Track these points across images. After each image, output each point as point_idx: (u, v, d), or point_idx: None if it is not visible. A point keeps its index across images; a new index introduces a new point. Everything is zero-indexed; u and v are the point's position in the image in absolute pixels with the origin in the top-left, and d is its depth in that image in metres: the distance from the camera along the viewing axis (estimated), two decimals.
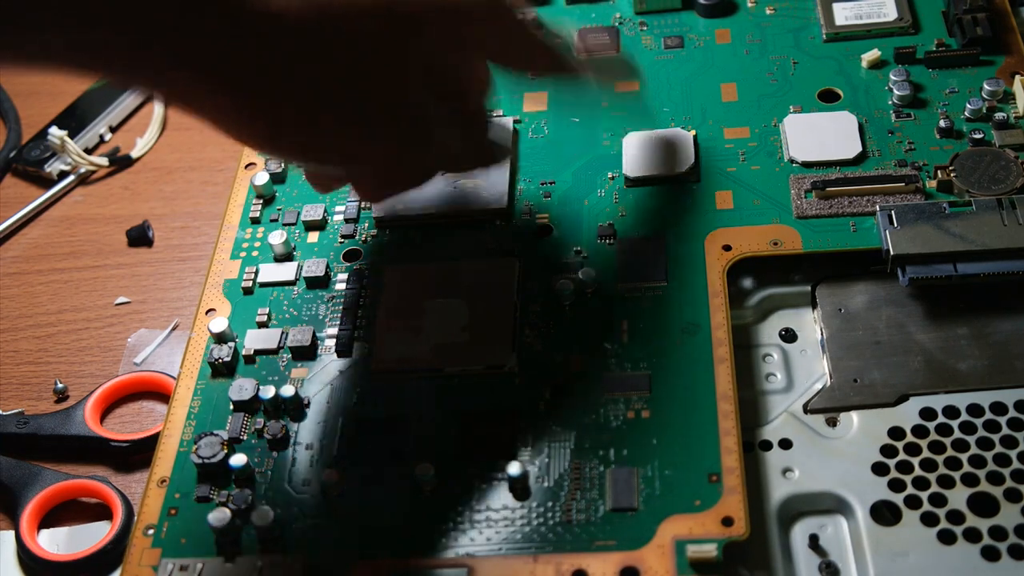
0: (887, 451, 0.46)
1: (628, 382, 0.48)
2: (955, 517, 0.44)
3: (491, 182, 0.56)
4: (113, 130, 0.72)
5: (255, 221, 0.57)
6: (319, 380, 0.51)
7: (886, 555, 0.44)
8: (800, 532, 0.45)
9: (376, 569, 0.44)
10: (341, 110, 0.43)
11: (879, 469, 0.46)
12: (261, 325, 0.53)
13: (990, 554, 0.43)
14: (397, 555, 0.45)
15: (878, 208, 0.51)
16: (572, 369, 0.49)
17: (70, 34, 0.38)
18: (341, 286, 0.54)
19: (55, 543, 0.51)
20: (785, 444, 0.47)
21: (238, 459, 0.47)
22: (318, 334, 0.52)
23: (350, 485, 0.47)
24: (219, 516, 0.45)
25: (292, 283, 0.54)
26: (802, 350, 0.51)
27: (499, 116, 0.60)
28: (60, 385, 0.58)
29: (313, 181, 0.51)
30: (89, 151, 0.70)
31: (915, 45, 0.59)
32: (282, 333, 0.52)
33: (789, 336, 0.51)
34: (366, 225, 0.56)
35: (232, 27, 0.40)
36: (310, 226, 0.56)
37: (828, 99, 0.58)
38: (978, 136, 0.54)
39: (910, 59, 0.58)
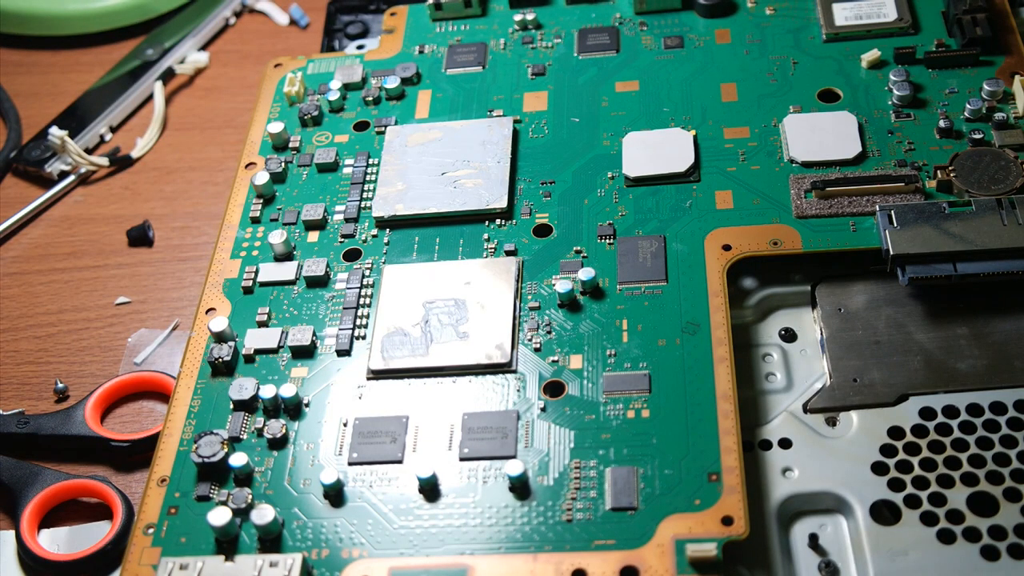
0: (887, 451, 0.46)
1: (628, 381, 0.48)
2: (955, 516, 0.44)
3: (491, 182, 0.56)
4: (113, 130, 0.72)
5: (255, 221, 0.57)
6: (319, 380, 0.51)
7: (886, 554, 0.44)
8: (800, 531, 0.45)
9: (376, 569, 0.44)
10: None
11: (879, 468, 0.46)
12: (261, 324, 0.53)
13: (989, 553, 0.43)
14: (397, 555, 0.45)
15: (878, 208, 0.51)
16: (572, 369, 0.49)
17: None
18: (341, 286, 0.54)
19: (55, 543, 0.51)
20: (785, 443, 0.47)
21: (238, 458, 0.47)
22: (318, 334, 0.52)
23: (350, 485, 0.47)
24: (219, 515, 0.45)
25: (292, 282, 0.54)
26: (802, 350, 0.51)
27: (499, 116, 0.60)
28: (60, 385, 0.58)
29: None
30: (89, 151, 0.70)
31: (915, 45, 0.59)
32: (282, 332, 0.52)
33: (789, 336, 0.51)
34: (366, 225, 0.56)
35: None
36: (310, 225, 0.57)
37: (828, 99, 0.58)
38: (978, 136, 0.54)
39: (910, 59, 0.58)
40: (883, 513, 0.45)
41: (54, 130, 0.68)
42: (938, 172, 0.53)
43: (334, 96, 0.62)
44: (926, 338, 0.49)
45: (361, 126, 0.61)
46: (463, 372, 0.50)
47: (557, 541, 0.44)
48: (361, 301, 0.53)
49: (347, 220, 0.57)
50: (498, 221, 0.55)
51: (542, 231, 0.54)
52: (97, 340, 0.60)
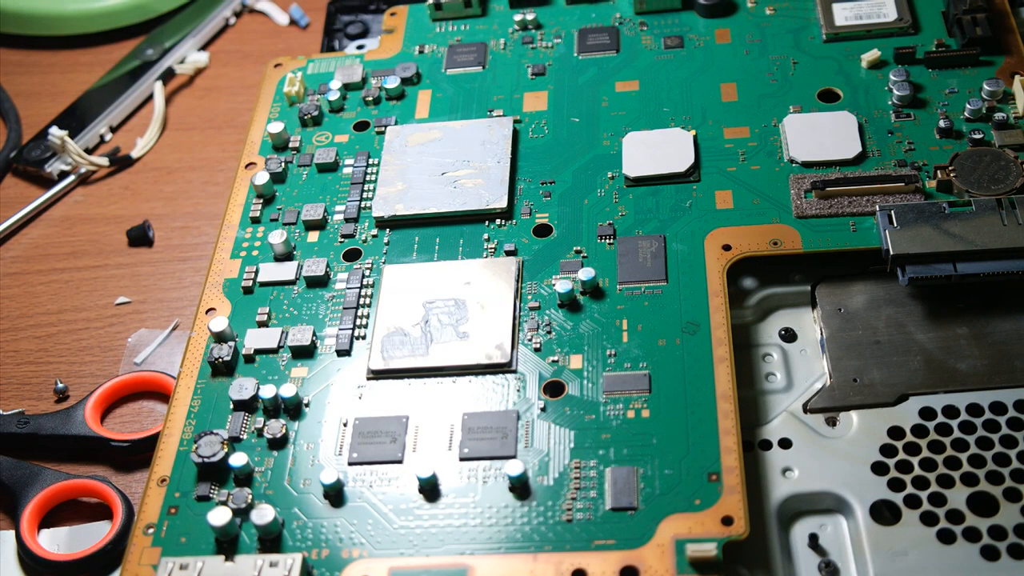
0: (887, 451, 0.46)
1: (628, 381, 0.48)
2: (955, 516, 0.44)
3: (491, 182, 0.56)
4: (113, 130, 0.72)
5: (255, 221, 0.57)
6: (319, 380, 0.51)
7: (886, 554, 0.44)
8: (800, 531, 0.45)
9: (376, 569, 0.44)
10: None
11: (879, 468, 0.46)
12: (261, 324, 0.53)
13: (989, 553, 0.43)
14: (397, 555, 0.45)
15: (878, 208, 0.51)
16: (572, 369, 0.49)
17: None
18: (341, 286, 0.54)
19: (56, 543, 0.51)
20: (785, 444, 0.47)
21: (238, 458, 0.47)
22: (318, 334, 0.52)
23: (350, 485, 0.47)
24: (219, 515, 0.45)
25: (292, 282, 0.54)
26: (802, 350, 0.51)
27: (499, 116, 0.60)
28: (60, 385, 0.58)
29: None
30: (89, 151, 0.70)
31: (915, 45, 0.59)
32: (282, 332, 0.52)
33: (789, 336, 0.51)
34: (366, 225, 0.56)
35: None
36: (310, 226, 0.57)
37: (828, 99, 0.58)
38: (978, 136, 0.54)
39: (910, 59, 0.58)
40: (883, 513, 0.45)
41: (54, 130, 0.68)
42: (938, 172, 0.53)
43: (334, 96, 0.62)
44: (926, 338, 0.49)
45: (361, 126, 0.61)
46: (463, 372, 0.50)
47: (557, 541, 0.44)
48: (361, 301, 0.53)
49: (347, 220, 0.57)
50: (498, 221, 0.55)
51: (542, 231, 0.54)
52: (97, 340, 0.60)
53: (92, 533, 0.51)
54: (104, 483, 0.52)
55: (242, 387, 0.50)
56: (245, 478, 0.48)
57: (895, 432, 0.47)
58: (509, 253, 0.54)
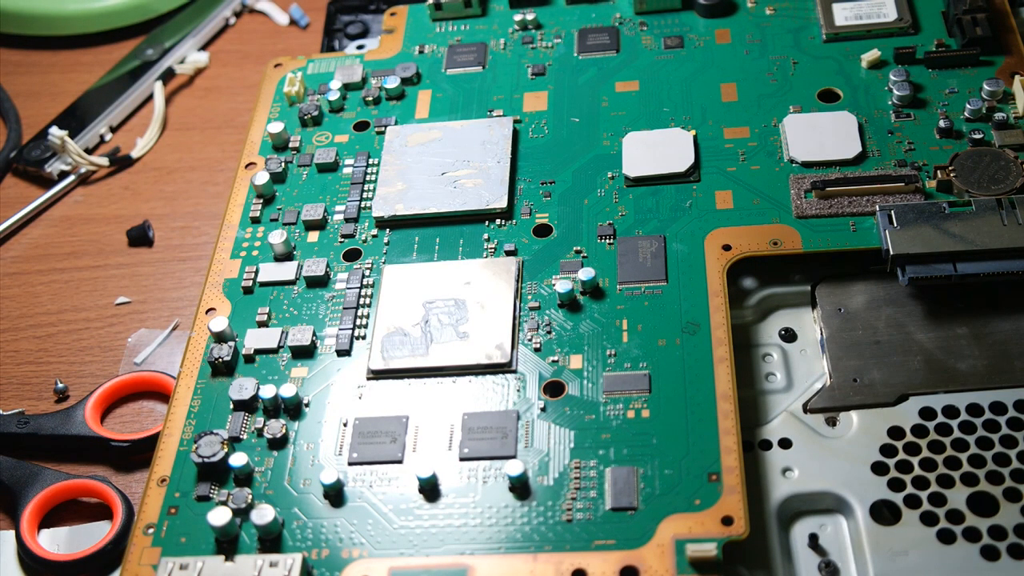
0: (887, 451, 0.46)
1: (628, 382, 0.48)
2: (955, 516, 0.44)
3: (491, 182, 0.56)
4: (113, 130, 0.72)
5: (255, 220, 0.57)
6: (319, 380, 0.51)
7: (886, 554, 0.44)
8: (800, 531, 0.45)
9: (376, 569, 0.44)
10: None
11: (879, 468, 0.46)
12: (261, 324, 0.53)
13: (989, 553, 0.43)
14: (397, 555, 0.45)
15: (878, 208, 0.51)
16: (572, 369, 0.49)
17: None
18: (341, 286, 0.54)
19: (55, 543, 0.51)
20: (785, 444, 0.47)
21: (238, 458, 0.47)
22: (318, 334, 0.52)
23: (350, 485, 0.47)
24: (219, 515, 0.45)
25: (292, 282, 0.54)
26: (802, 350, 0.51)
27: (499, 116, 0.60)
28: (60, 385, 0.58)
29: None
30: (89, 151, 0.70)
31: (915, 45, 0.59)
32: (282, 332, 0.52)
33: (789, 336, 0.51)
34: (366, 225, 0.56)
35: None
36: (310, 226, 0.57)
37: (828, 99, 0.58)
38: (978, 136, 0.54)
39: (910, 59, 0.58)
40: (883, 513, 0.45)
41: (54, 130, 0.68)
42: (938, 172, 0.53)
43: (334, 96, 0.62)
44: (926, 338, 0.49)
45: (361, 126, 0.61)
46: (463, 372, 0.50)
47: (557, 541, 0.44)
48: (361, 301, 0.53)
49: (347, 220, 0.57)
50: (498, 221, 0.55)
51: (542, 231, 0.54)
52: (97, 340, 0.60)
53: (92, 533, 0.51)
54: (104, 483, 0.52)
55: (242, 387, 0.50)
56: (245, 478, 0.48)
57: (895, 432, 0.47)
58: (509, 253, 0.54)
